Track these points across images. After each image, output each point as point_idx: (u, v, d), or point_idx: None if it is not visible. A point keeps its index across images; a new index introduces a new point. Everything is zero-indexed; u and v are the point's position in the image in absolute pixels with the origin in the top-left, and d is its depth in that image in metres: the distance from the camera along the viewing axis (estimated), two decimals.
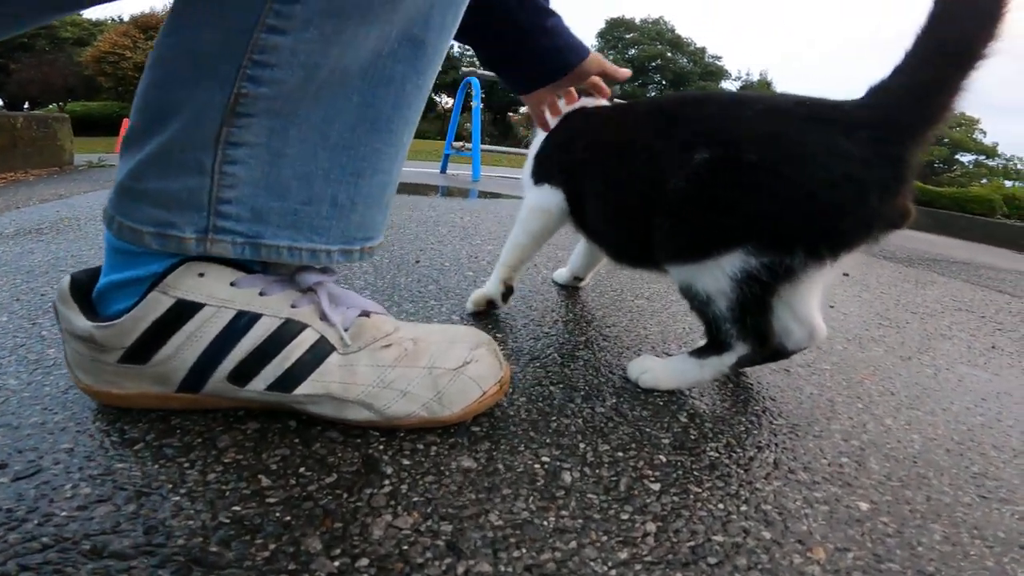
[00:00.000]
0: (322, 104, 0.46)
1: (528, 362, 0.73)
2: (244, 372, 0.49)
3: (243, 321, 0.49)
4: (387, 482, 0.46)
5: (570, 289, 1.13)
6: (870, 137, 0.54)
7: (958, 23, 0.53)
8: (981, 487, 0.57)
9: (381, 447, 0.51)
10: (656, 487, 0.50)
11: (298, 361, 0.50)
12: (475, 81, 3.92)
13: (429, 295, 0.99)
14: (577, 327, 0.91)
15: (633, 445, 0.56)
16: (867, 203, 0.54)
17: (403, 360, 0.54)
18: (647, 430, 0.60)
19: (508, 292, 0.90)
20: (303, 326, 0.51)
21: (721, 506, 0.48)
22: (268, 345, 0.50)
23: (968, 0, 0.53)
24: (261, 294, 0.51)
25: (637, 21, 36.77)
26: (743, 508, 0.48)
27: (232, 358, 0.49)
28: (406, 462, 0.49)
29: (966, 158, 37.34)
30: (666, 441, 0.58)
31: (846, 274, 1.77)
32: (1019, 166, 37.12)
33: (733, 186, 0.58)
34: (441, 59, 0.53)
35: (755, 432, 0.62)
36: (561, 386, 0.68)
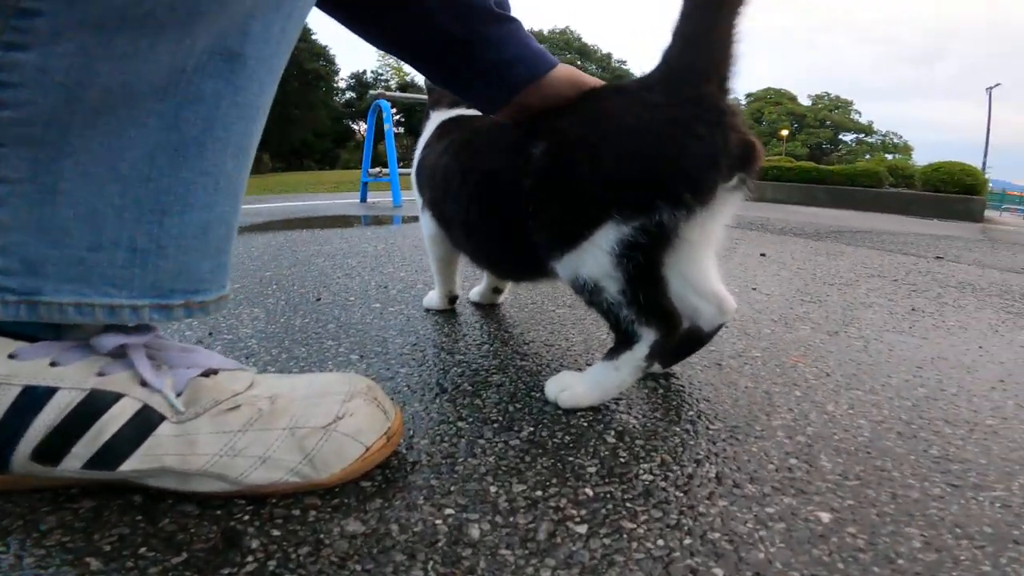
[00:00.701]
0: (104, 129, 0.38)
1: (434, 398, 0.63)
2: (50, 452, 0.41)
3: (33, 397, 0.40)
4: (250, 559, 0.38)
5: (488, 307, 1.04)
6: (668, 87, 0.58)
7: None
8: (948, 473, 0.52)
9: (247, 517, 0.42)
10: (582, 529, 0.41)
11: (117, 436, 0.41)
12: (384, 104, 3.81)
13: (327, 335, 0.88)
14: (492, 349, 0.82)
15: (554, 480, 0.47)
16: (697, 138, 0.55)
17: (256, 423, 0.43)
18: (570, 459, 0.51)
19: (454, 299, 1.01)
20: (116, 396, 0.42)
21: (661, 543, 0.40)
22: (72, 421, 0.41)
23: None
24: (53, 364, 0.42)
25: (546, 32, 37.93)
26: (687, 541, 0.40)
27: (29, 438, 0.40)
28: (276, 533, 0.40)
29: (848, 137, 40.99)
30: (592, 470, 0.50)
31: (763, 254, 1.79)
32: (895, 140, 41.13)
33: (573, 165, 0.59)
34: (274, 74, 0.46)
35: (692, 443, 0.55)
36: (471, 420, 0.58)
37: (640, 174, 0.56)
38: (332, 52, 34.49)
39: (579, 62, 36.62)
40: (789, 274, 1.50)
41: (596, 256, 0.58)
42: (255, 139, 0.46)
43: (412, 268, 1.39)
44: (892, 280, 1.50)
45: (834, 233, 2.83)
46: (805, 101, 40.48)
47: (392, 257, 1.54)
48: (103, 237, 0.39)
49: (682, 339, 0.65)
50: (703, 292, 0.65)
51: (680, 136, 0.55)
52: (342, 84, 37.21)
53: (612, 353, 0.61)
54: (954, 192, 7.49)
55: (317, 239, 1.93)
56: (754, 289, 1.26)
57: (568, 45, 37.16)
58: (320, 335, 0.88)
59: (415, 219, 2.68)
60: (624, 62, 38.61)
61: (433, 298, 1.01)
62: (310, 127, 31.33)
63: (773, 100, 37.82)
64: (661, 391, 0.68)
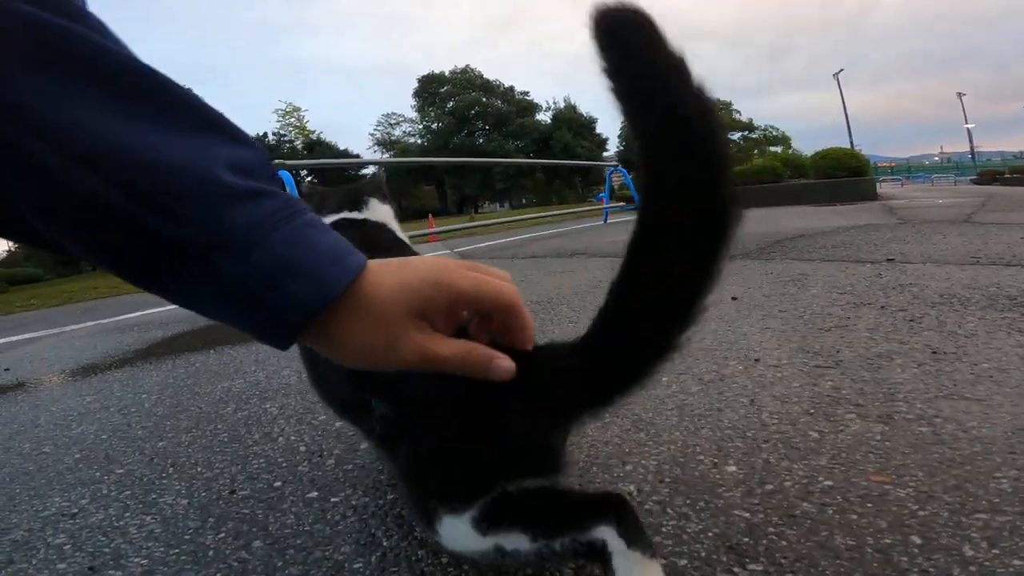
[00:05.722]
0: None
1: None
2: None
3: None
4: None
5: None
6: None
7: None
8: None
9: None
10: None
11: None
12: (286, 176, 3.60)
13: (256, 564, 0.61)
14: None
15: None
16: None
17: None
18: None
19: None
20: None
21: None
22: None
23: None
24: None
25: (447, 74, 38.14)
26: None
27: None
28: None
29: (736, 135, 44.46)
30: None
31: (734, 297, 1.66)
32: (774, 132, 45.04)
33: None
34: None
35: None
36: None
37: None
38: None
39: (484, 99, 37.18)
40: (777, 324, 1.35)
41: (461, 535, 0.44)
42: None
43: None
44: (879, 308, 1.39)
45: (774, 245, 2.81)
46: None
47: None
48: None
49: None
50: None
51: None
52: None
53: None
54: (844, 176, 8.07)
55: (226, 367, 1.60)
56: (757, 360, 1.09)
57: (471, 83, 37.60)
58: (246, 566, 0.61)
59: None
60: (527, 93, 39.48)
61: None
62: None
63: None
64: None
